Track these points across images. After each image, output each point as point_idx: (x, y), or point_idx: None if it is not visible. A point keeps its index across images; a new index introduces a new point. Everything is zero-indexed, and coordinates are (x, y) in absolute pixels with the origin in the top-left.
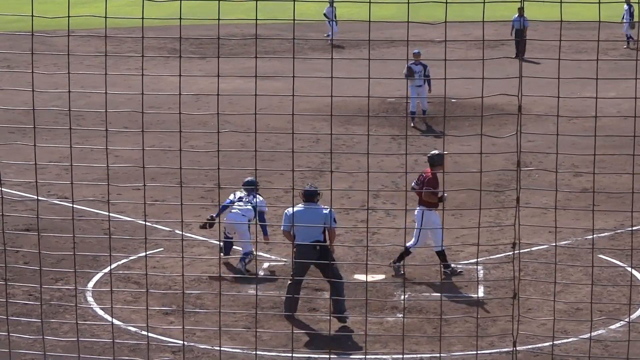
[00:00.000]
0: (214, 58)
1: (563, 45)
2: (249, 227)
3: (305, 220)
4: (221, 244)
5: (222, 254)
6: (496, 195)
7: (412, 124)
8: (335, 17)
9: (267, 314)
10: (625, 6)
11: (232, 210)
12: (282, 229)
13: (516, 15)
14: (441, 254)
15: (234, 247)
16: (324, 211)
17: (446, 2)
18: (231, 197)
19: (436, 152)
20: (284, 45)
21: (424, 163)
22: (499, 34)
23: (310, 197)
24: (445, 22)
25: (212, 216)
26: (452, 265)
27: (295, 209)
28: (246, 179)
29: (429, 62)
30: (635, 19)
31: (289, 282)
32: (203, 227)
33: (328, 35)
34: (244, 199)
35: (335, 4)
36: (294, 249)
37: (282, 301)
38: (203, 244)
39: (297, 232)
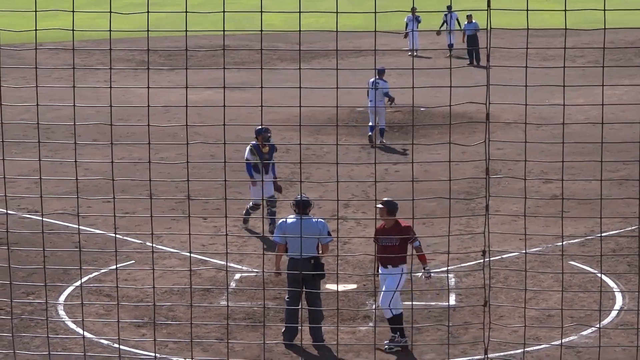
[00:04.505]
0: (183, 69)
1: (530, 53)
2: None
3: (298, 232)
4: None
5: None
6: (466, 203)
7: (375, 141)
8: (418, 28)
9: (239, 325)
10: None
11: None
12: (277, 241)
13: (466, 22)
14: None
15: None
16: (318, 223)
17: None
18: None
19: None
20: (252, 56)
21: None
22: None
23: (303, 207)
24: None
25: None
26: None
27: (289, 220)
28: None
29: (398, 70)
30: (455, 27)
31: (286, 308)
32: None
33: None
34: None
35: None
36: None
37: (254, 312)
38: (174, 256)
39: (290, 245)
